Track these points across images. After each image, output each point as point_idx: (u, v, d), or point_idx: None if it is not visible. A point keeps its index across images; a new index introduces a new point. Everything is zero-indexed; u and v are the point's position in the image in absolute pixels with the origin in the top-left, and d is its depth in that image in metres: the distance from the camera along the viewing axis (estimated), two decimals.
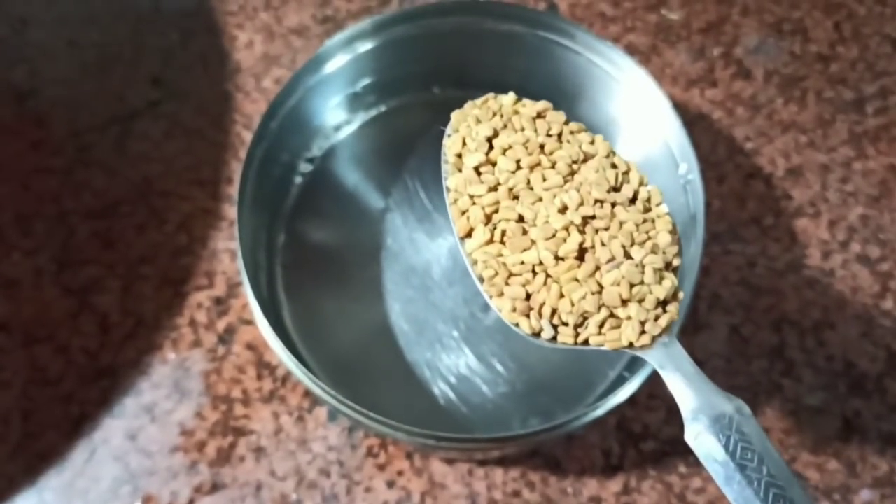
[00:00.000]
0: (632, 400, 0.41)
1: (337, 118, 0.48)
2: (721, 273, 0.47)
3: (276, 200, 0.46)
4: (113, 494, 0.42)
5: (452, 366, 0.43)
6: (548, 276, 0.31)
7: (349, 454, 0.43)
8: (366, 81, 0.47)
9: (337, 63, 0.45)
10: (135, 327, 0.45)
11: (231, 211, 0.48)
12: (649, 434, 0.44)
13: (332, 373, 0.43)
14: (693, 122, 0.52)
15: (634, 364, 0.43)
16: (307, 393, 0.44)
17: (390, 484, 0.42)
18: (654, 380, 0.38)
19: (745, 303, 0.47)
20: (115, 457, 0.43)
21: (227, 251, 0.47)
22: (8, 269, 0.47)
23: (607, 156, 0.34)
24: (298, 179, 0.47)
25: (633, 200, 0.33)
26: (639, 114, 0.43)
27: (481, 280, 0.32)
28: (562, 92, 0.44)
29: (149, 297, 0.46)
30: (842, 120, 0.52)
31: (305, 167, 0.48)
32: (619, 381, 0.41)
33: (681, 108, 0.52)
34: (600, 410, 0.36)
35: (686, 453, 0.43)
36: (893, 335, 0.46)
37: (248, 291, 0.39)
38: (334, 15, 0.55)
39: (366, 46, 0.45)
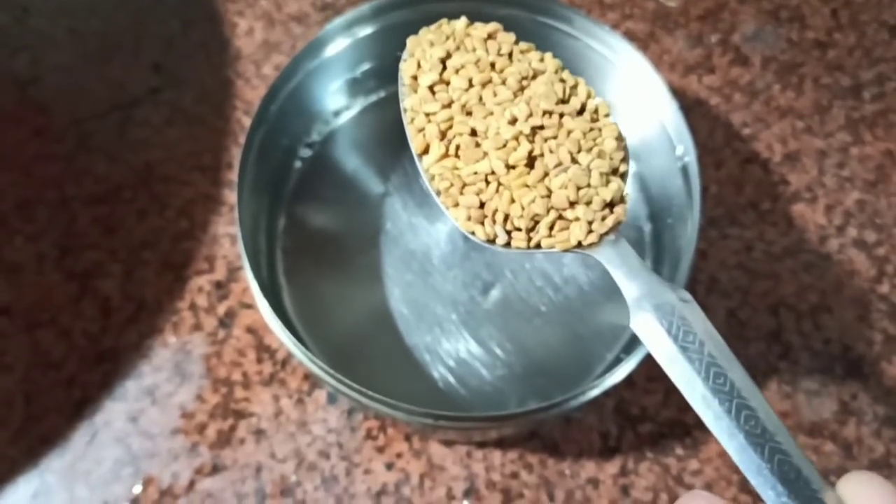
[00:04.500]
0: (629, 382, 0.42)
1: (337, 103, 0.48)
2: (719, 257, 0.48)
3: (276, 185, 0.46)
4: (114, 476, 0.42)
5: (451, 349, 0.44)
6: (500, 184, 0.32)
7: (348, 436, 0.43)
8: (365, 66, 0.47)
9: (337, 47, 0.45)
10: (136, 311, 0.46)
11: (231, 196, 0.49)
12: (647, 416, 0.44)
13: (332, 357, 0.43)
14: (691, 108, 0.52)
15: (632, 346, 0.43)
16: (307, 376, 0.44)
17: (389, 466, 0.43)
18: (652, 362, 0.39)
19: (743, 287, 0.47)
20: (116, 439, 0.43)
21: (227, 236, 0.48)
22: (10, 255, 0.47)
23: (556, 71, 0.35)
24: (298, 164, 0.48)
25: (581, 112, 0.34)
26: (635, 97, 0.43)
27: (438, 193, 0.33)
28: None
29: (150, 282, 0.47)
30: (839, 106, 0.53)
31: (305, 152, 0.48)
32: (616, 363, 0.41)
33: (679, 94, 0.52)
34: (597, 390, 0.37)
35: (683, 436, 0.43)
36: (890, 318, 0.46)
37: (248, 275, 0.39)
38: (334, 2, 0.56)
39: (365, 31, 0.45)
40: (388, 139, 0.49)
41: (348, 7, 0.55)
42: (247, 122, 0.51)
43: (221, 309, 0.46)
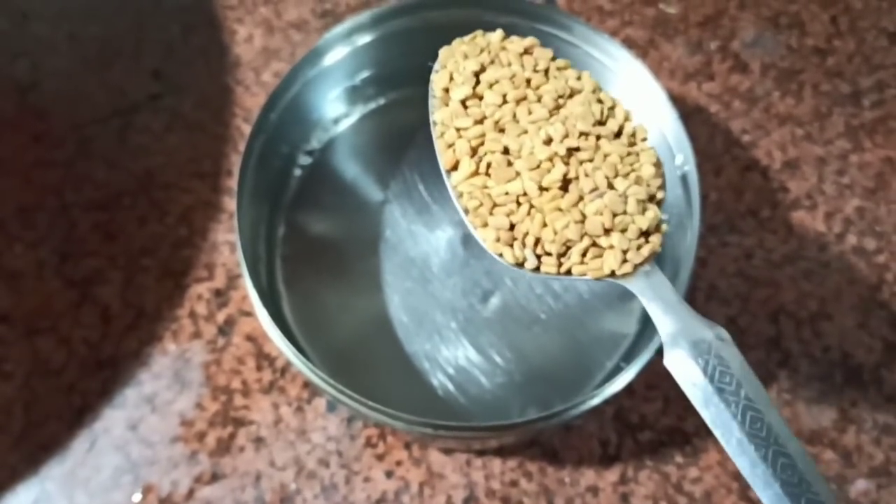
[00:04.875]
0: (629, 390, 0.42)
1: (336, 111, 0.48)
2: (718, 264, 0.48)
3: (275, 193, 0.47)
4: (114, 484, 0.42)
5: (451, 357, 0.44)
6: (532, 206, 0.32)
7: (348, 444, 0.43)
8: (365, 74, 0.47)
9: (336, 55, 0.45)
10: (136, 319, 0.46)
11: (231, 203, 0.49)
12: (646, 424, 0.44)
13: (331, 364, 0.43)
14: (690, 115, 0.52)
15: (632, 354, 0.43)
16: (306, 384, 0.44)
17: (389, 474, 0.43)
18: (652, 370, 0.39)
19: (742, 294, 0.47)
20: (116, 447, 0.43)
21: (227, 243, 0.48)
22: (10, 261, 0.47)
23: (594, 91, 0.34)
24: (298, 172, 0.48)
25: (618, 135, 0.33)
26: (635, 105, 0.43)
27: (466, 212, 0.33)
28: None
29: (150, 289, 0.47)
30: (838, 113, 0.53)
31: (305, 160, 0.48)
32: (617, 371, 0.42)
33: (678, 101, 0.52)
34: (597, 399, 0.37)
35: (683, 444, 0.43)
36: (889, 326, 0.46)
37: (247, 283, 0.39)
38: (333, 9, 0.56)
39: (365, 39, 0.45)
40: (388, 146, 0.49)
41: (348, 14, 0.55)
42: (246, 129, 0.51)
43: (221, 317, 0.46)
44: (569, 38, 0.44)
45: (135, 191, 0.49)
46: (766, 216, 0.49)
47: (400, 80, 0.48)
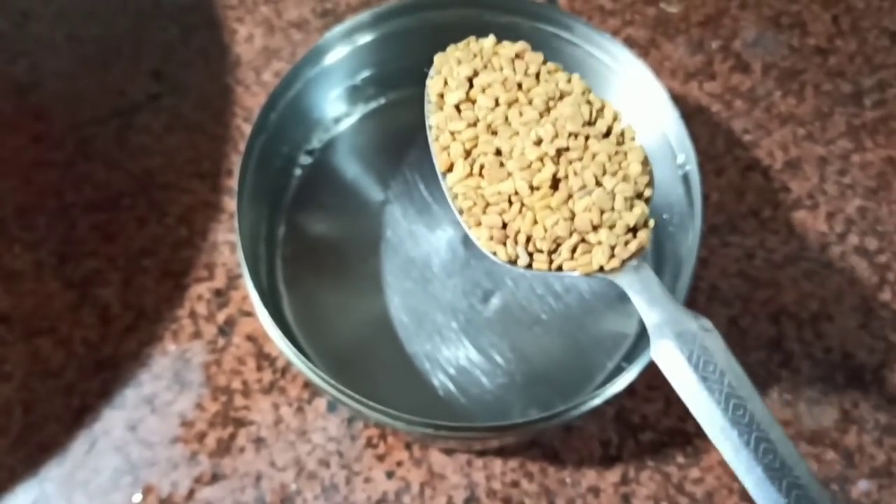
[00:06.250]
0: (630, 391, 0.42)
1: (337, 110, 0.48)
2: (719, 265, 0.47)
3: (275, 193, 0.46)
4: (113, 485, 0.42)
5: (452, 357, 0.43)
6: (523, 204, 0.33)
7: (349, 445, 0.43)
8: (365, 74, 0.47)
9: (337, 55, 0.45)
10: (135, 319, 0.46)
11: (231, 203, 0.49)
12: (648, 425, 0.44)
13: (332, 364, 0.43)
14: (691, 114, 0.52)
15: (633, 355, 0.43)
16: (307, 384, 0.44)
17: (389, 474, 0.42)
18: (653, 371, 0.38)
19: (744, 295, 0.47)
20: (115, 448, 0.43)
21: (227, 243, 0.48)
22: (9, 262, 0.47)
23: (583, 93, 0.35)
24: (298, 172, 0.48)
25: (606, 135, 0.35)
26: (636, 105, 0.43)
27: (461, 212, 0.34)
28: None
29: (149, 290, 0.46)
30: (840, 113, 0.53)
31: (305, 159, 0.48)
32: (618, 372, 0.41)
33: (679, 101, 0.52)
34: (598, 400, 0.37)
35: (684, 444, 0.43)
36: (891, 327, 0.46)
37: (247, 283, 0.39)
38: (334, 8, 0.55)
39: (365, 38, 0.45)
40: (388, 146, 0.49)
41: (348, 14, 0.55)
42: (246, 129, 0.51)
43: (221, 317, 0.46)
44: (570, 37, 0.44)
45: (134, 191, 0.49)
46: (768, 216, 0.49)
47: (400, 80, 0.48)
